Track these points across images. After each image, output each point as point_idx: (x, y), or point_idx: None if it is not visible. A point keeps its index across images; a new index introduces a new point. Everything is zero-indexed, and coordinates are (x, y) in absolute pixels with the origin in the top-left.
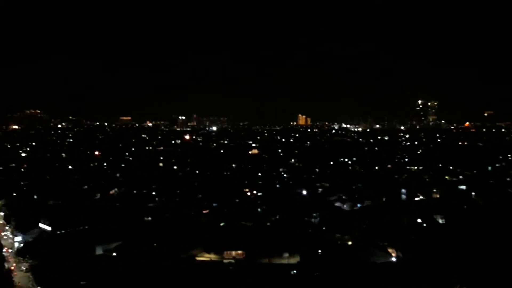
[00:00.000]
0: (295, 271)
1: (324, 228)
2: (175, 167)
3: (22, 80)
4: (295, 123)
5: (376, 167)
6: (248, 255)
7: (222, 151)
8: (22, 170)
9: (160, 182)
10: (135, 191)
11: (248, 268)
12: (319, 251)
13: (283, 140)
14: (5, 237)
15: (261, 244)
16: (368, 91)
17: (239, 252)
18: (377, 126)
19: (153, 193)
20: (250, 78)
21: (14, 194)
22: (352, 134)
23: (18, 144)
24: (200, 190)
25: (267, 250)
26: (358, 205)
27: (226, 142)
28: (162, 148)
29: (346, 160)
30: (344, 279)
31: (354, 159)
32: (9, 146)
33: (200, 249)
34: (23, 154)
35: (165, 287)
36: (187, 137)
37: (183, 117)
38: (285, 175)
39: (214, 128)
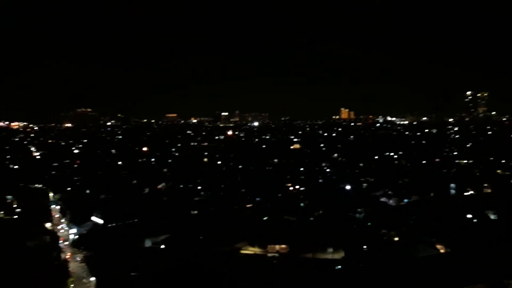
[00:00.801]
0: (339, 266)
1: (369, 224)
2: (218, 162)
3: (75, 80)
4: (337, 117)
5: (424, 161)
6: (292, 250)
7: (264, 146)
8: (76, 166)
9: (205, 177)
10: (181, 186)
11: (292, 262)
12: (364, 247)
13: (326, 134)
14: (61, 230)
15: (305, 238)
16: (415, 83)
17: (283, 246)
18: (424, 118)
19: (199, 187)
20: (291, 73)
21: (69, 189)
22: (398, 128)
23: (71, 141)
24: (243, 184)
25: (311, 245)
26: (405, 200)
27: (267, 137)
28: (206, 143)
29: (392, 154)
30: (390, 275)
31: (400, 153)
32: (63, 143)
33: (245, 243)
34: (76, 151)
35: (212, 279)
36: (229, 132)
37: (226, 113)
38: (328, 170)
39: (256, 124)
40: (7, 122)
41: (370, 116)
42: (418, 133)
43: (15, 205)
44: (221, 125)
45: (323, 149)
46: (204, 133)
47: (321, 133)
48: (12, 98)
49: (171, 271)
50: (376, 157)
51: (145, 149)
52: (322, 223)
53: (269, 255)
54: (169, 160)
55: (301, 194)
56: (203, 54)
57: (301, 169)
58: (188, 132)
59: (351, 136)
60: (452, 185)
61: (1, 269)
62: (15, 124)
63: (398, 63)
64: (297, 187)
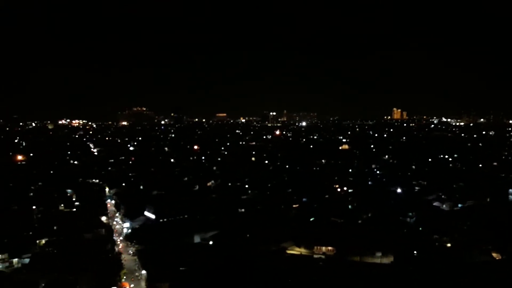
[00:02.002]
0: (388, 271)
1: (420, 229)
2: (266, 162)
3: (131, 80)
4: (389, 117)
5: (480, 165)
6: (339, 252)
7: (311, 146)
8: (130, 162)
9: (253, 176)
10: (229, 184)
11: (338, 264)
12: (415, 252)
13: (376, 135)
14: (115, 223)
15: (352, 241)
16: (471, 84)
17: (330, 248)
18: (482, 120)
19: (246, 186)
20: (341, 72)
21: (124, 184)
22: (454, 129)
23: (127, 139)
24: (290, 184)
25: (359, 248)
26: (459, 205)
27: (315, 137)
28: (254, 143)
29: (446, 157)
30: (441, 281)
31: (456, 156)
32: (119, 141)
33: (291, 243)
34: (131, 148)
35: (258, 277)
36: (277, 132)
37: (274, 113)
38: (378, 172)
39: (304, 123)
40: (68, 120)
41: (424, 117)
42: (475, 135)
43: (74, 199)
44: (269, 124)
45: (373, 150)
46: (252, 133)
47: (372, 133)
48: (74, 97)
49: (219, 267)
50: (430, 160)
51: (196, 147)
52: (371, 226)
53: (316, 256)
54: (219, 159)
55: (349, 196)
56: (254, 54)
57: (350, 170)
58: (237, 131)
59: (403, 137)
60: (511, 190)
61: (60, 258)
62: (75, 122)
63: (454, 62)
64: (345, 188)
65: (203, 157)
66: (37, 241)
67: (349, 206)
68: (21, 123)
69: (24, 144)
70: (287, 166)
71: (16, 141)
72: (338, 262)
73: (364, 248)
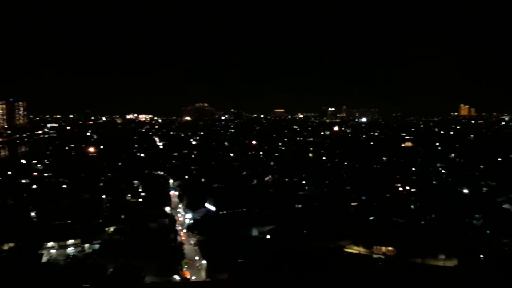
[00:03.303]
0: (451, 275)
1: (488, 232)
2: (324, 158)
3: (194, 77)
4: (456, 113)
5: None
6: (399, 253)
7: (372, 143)
8: (193, 156)
9: (310, 172)
10: (287, 179)
11: (398, 265)
12: (481, 256)
13: (442, 132)
14: (178, 214)
15: (414, 242)
16: None
17: (389, 248)
18: None
19: (303, 182)
20: (403, 66)
21: (186, 177)
22: None
23: (189, 134)
24: (349, 182)
25: (420, 249)
26: None
27: (376, 134)
28: (311, 139)
29: None
30: None
31: None
32: (182, 135)
33: (349, 241)
34: (193, 142)
35: (316, 273)
36: (336, 128)
37: (333, 109)
38: (443, 171)
39: (364, 120)
40: (135, 115)
41: (494, 114)
42: None
43: (141, 190)
44: (327, 120)
45: (439, 148)
46: (310, 129)
47: (437, 131)
48: (141, 93)
49: (277, 261)
50: (500, 159)
51: (254, 142)
52: (434, 228)
53: (374, 256)
54: (276, 154)
55: (412, 195)
56: (311, 50)
57: (413, 169)
58: (295, 127)
59: (471, 135)
60: None
61: (127, 245)
62: (142, 117)
63: None
64: (407, 187)
65: (261, 152)
66: (106, 229)
67: (412, 206)
68: (92, 117)
69: (95, 137)
70: (345, 163)
71: (88, 134)
72: (399, 263)
73: (426, 250)
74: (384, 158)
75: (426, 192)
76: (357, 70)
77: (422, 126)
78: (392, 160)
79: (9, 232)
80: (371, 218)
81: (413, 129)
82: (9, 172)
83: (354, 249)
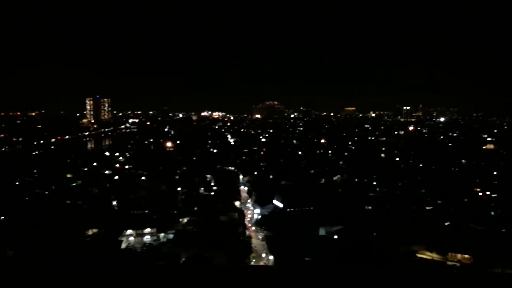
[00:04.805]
0: None
1: None
2: (397, 159)
3: (263, 76)
4: None
5: None
6: (476, 261)
7: (450, 144)
8: (262, 153)
9: (381, 173)
10: (356, 179)
11: (476, 274)
12: None
13: None
14: (247, 209)
15: (493, 251)
16: None
17: (466, 256)
18: None
19: (374, 183)
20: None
21: (255, 173)
22: None
23: (259, 131)
24: (424, 184)
25: (501, 259)
26: None
27: (455, 134)
28: (384, 138)
29: None
30: None
31: None
32: (252, 132)
33: (421, 247)
34: (263, 140)
35: (386, 276)
36: (411, 128)
37: (408, 107)
38: None
39: (442, 119)
40: (209, 112)
41: None
42: None
43: (213, 183)
44: (402, 119)
45: None
46: (382, 128)
47: None
48: (214, 92)
49: (344, 262)
50: None
51: (323, 141)
52: None
53: (449, 263)
54: (345, 153)
55: (493, 201)
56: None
57: (494, 173)
58: (366, 126)
59: None
60: None
61: (199, 236)
62: (215, 114)
63: None
64: (487, 193)
65: (329, 151)
66: (180, 220)
67: (492, 213)
68: (170, 114)
69: (172, 132)
70: (420, 165)
71: (166, 129)
72: (476, 271)
73: (507, 259)
74: (462, 161)
75: (509, 198)
76: (432, 66)
77: (506, 127)
78: (471, 163)
79: (93, 219)
80: (446, 224)
81: (495, 131)
82: (95, 164)
83: (427, 255)
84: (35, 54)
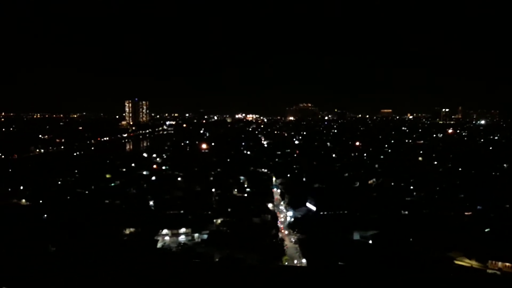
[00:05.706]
0: None
1: None
2: (435, 162)
3: (297, 77)
4: None
5: None
6: None
7: (490, 148)
8: (295, 155)
9: (419, 177)
10: (392, 183)
11: None
12: None
13: None
14: (279, 211)
15: None
16: None
17: (507, 264)
18: None
19: (411, 187)
20: None
21: (288, 175)
22: None
23: (292, 133)
24: (463, 189)
25: None
26: None
27: (496, 138)
28: (422, 141)
29: None
30: None
31: None
32: (285, 134)
33: (459, 253)
34: (296, 142)
35: (421, 284)
36: (450, 130)
37: (447, 110)
38: None
39: (483, 122)
40: (243, 114)
41: None
42: None
43: (246, 185)
44: (441, 122)
45: None
46: (420, 130)
47: None
48: (249, 94)
49: (379, 268)
50: None
51: (358, 143)
52: None
53: (489, 271)
54: (381, 156)
55: None
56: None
57: None
58: (403, 128)
59: None
60: None
61: (232, 237)
62: (249, 116)
63: None
64: None
65: (364, 154)
66: (214, 220)
67: None
68: (205, 116)
69: (207, 134)
70: (460, 169)
71: (201, 132)
72: None
73: None
74: (504, 165)
75: None
76: (475, 66)
77: None
78: None
79: (130, 218)
80: (486, 230)
81: None
82: (133, 164)
83: (465, 262)
84: (79, 59)
